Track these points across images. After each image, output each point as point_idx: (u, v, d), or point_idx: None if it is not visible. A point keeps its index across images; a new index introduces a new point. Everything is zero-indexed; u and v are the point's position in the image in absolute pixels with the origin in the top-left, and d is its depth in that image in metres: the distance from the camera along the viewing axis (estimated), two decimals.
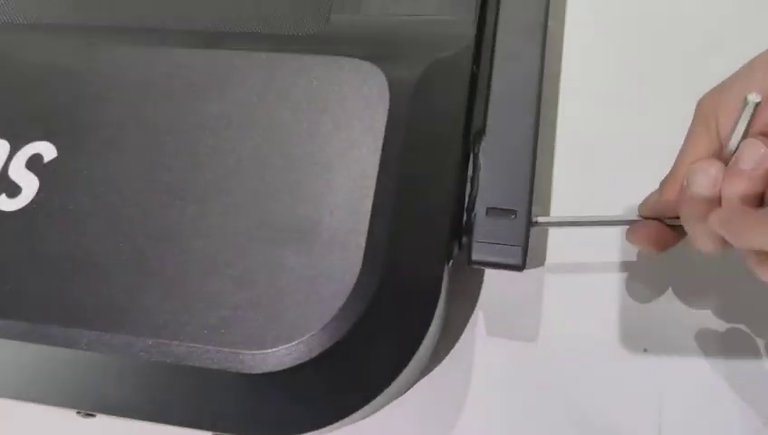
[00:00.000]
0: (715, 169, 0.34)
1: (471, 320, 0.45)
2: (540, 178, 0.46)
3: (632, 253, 0.45)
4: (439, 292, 0.37)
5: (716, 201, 0.34)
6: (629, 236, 0.40)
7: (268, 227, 0.38)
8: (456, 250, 0.41)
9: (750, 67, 0.35)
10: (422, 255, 0.38)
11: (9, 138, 0.42)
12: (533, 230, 0.40)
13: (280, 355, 0.35)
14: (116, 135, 0.41)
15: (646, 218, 0.40)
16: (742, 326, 0.43)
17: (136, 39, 0.45)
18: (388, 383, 0.36)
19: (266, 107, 0.41)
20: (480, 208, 0.40)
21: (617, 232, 0.45)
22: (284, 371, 0.35)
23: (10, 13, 0.49)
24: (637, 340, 0.43)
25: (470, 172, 0.42)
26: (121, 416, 0.38)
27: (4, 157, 0.42)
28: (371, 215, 0.37)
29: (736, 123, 0.33)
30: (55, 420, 0.43)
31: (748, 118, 0.32)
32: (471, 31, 0.44)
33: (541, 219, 0.41)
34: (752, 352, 0.42)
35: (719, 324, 0.43)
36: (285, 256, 0.37)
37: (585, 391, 0.42)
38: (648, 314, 0.44)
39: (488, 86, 0.43)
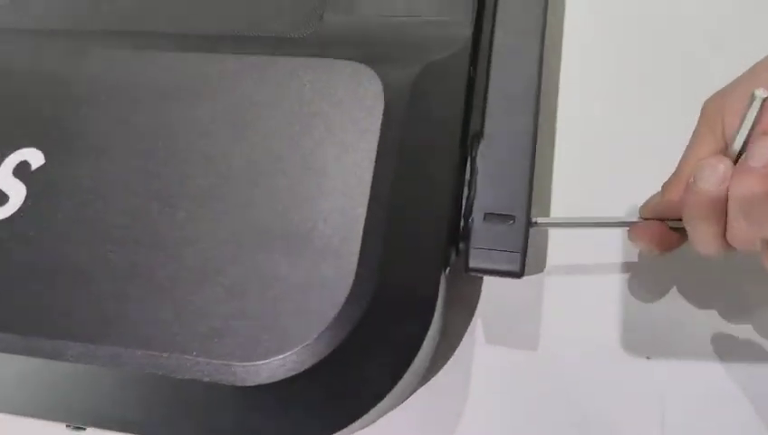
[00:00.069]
0: (724, 165, 0.33)
1: (470, 327, 0.44)
2: (540, 179, 0.46)
3: (634, 256, 0.44)
4: (436, 299, 0.37)
5: (722, 200, 0.33)
6: (631, 235, 0.39)
7: (260, 235, 0.37)
8: (453, 257, 0.40)
9: (754, 70, 0.35)
10: (418, 262, 0.37)
11: None
12: (533, 231, 0.39)
13: (273, 367, 0.34)
14: (105, 141, 0.41)
15: (647, 220, 0.39)
16: (746, 331, 0.42)
17: (125, 43, 0.45)
18: (384, 394, 0.35)
19: (258, 111, 0.40)
20: (477, 214, 0.39)
21: (618, 235, 0.44)
22: (278, 382, 0.34)
23: None
24: (639, 345, 0.42)
25: (467, 177, 0.41)
26: (111, 429, 0.37)
27: None
28: (366, 221, 0.36)
29: (742, 120, 0.32)
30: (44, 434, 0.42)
31: (755, 114, 0.32)
32: (467, 32, 0.43)
33: (540, 220, 0.40)
34: (757, 356, 0.41)
35: (723, 329, 0.42)
36: (277, 265, 0.36)
37: (586, 397, 0.42)
38: (651, 319, 0.43)
39: (486, 88, 0.42)
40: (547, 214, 0.46)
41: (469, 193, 0.40)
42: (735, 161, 0.34)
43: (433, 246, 0.38)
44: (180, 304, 0.36)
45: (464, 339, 0.44)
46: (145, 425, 0.36)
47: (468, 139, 0.42)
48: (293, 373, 0.34)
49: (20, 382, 0.37)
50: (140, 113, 0.41)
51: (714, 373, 0.41)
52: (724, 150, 0.35)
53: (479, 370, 0.43)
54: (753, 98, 0.31)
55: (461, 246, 0.40)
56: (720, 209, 0.33)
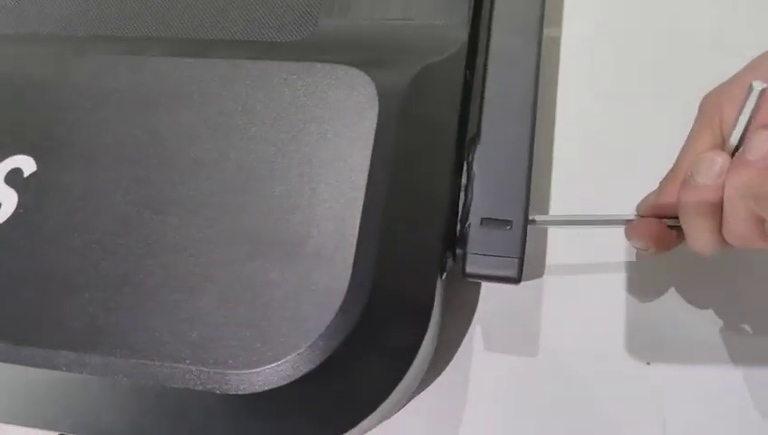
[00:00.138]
0: (721, 158, 0.33)
1: (468, 333, 0.44)
2: (538, 179, 0.46)
3: (634, 258, 0.44)
4: (432, 306, 0.36)
5: (719, 195, 0.33)
6: (628, 233, 0.39)
7: (252, 242, 0.36)
8: (450, 262, 0.40)
9: (752, 65, 0.35)
10: (414, 268, 0.37)
11: None
12: (531, 233, 0.39)
13: (266, 375, 0.34)
14: (97, 148, 0.40)
15: (644, 217, 0.39)
16: (748, 334, 0.42)
17: (118, 48, 0.44)
18: (379, 402, 0.35)
19: (250, 117, 0.39)
20: (474, 219, 0.39)
21: (617, 236, 0.44)
22: (271, 391, 0.34)
23: None
24: (639, 351, 0.42)
25: (464, 181, 0.40)
26: None
27: None
28: (360, 227, 0.36)
29: (740, 114, 0.32)
30: None
31: (752, 106, 0.32)
32: (463, 35, 0.42)
33: (538, 218, 0.40)
34: (759, 360, 0.41)
35: (724, 332, 0.42)
36: (270, 272, 0.36)
37: (587, 404, 0.41)
38: (651, 323, 0.42)
39: (482, 92, 0.42)
40: (545, 213, 0.45)
41: (466, 198, 0.40)
42: (733, 156, 0.33)
43: (428, 252, 0.37)
44: (172, 312, 0.35)
45: (462, 345, 0.44)
46: (136, 434, 0.36)
47: (465, 143, 0.41)
48: (287, 382, 0.34)
49: (10, 391, 0.37)
50: (132, 120, 0.40)
51: (715, 379, 0.41)
52: (722, 146, 0.34)
53: (478, 377, 0.43)
54: (750, 89, 0.31)
55: (458, 251, 0.39)
56: (717, 205, 0.33)
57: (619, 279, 0.44)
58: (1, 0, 0.49)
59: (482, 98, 0.41)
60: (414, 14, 0.43)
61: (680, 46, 0.49)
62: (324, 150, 0.38)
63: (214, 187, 0.38)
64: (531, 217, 0.39)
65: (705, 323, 0.42)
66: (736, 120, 0.33)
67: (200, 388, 0.34)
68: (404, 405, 0.42)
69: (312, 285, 0.35)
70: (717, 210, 0.33)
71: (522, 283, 0.39)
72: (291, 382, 0.34)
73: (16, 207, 0.39)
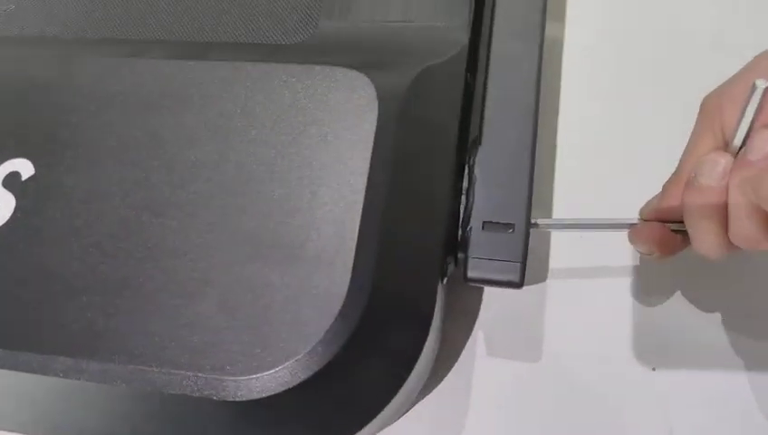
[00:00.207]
0: (724, 159, 0.33)
1: (470, 338, 0.44)
2: (541, 182, 0.46)
3: (637, 262, 0.44)
4: (433, 310, 0.36)
5: (723, 196, 0.33)
6: (632, 237, 0.39)
7: (252, 245, 0.36)
8: (451, 267, 0.39)
9: (752, 64, 0.35)
10: (414, 272, 0.36)
11: None
12: (534, 236, 0.38)
13: (264, 381, 0.33)
14: (96, 151, 0.40)
15: (648, 221, 0.38)
16: (755, 338, 0.41)
17: (117, 51, 0.44)
18: (379, 409, 0.34)
19: (250, 119, 0.39)
20: (476, 223, 0.38)
21: (621, 242, 0.43)
22: (270, 397, 0.33)
23: None
24: (644, 356, 0.41)
25: (465, 185, 0.40)
26: None
27: None
28: (360, 231, 0.36)
29: (743, 114, 0.32)
30: None
31: (756, 105, 0.31)
32: (464, 37, 0.42)
33: (541, 222, 0.39)
34: (767, 365, 0.40)
35: (731, 337, 0.41)
36: (269, 276, 0.35)
37: (591, 411, 0.41)
38: (656, 327, 0.42)
39: (483, 94, 0.41)
40: (548, 217, 0.45)
41: (467, 201, 0.39)
42: (736, 156, 0.33)
43: (429, 256, 0.37)
44: (170, 317, 0.35)
45: (464, 351, 0.43)
46: None
47: (466, 146, 0.41)
48: (285, 388, 0.33)
49: (7, 397, 0.36)
50: (132, 122, 0.40)
51: (721, 383, 0.40)
52: (725, 147, 0.34)
53: (480, 382, 0.42)
54: (753, 88, 0.31)
55: (459, 255, 0.39)
56: (721, 206, 0.33)
57: (623, 283, 0.43)
58: (2, 3, 0.49)
59: (483, 100, 0.41)
60: (414, 17, 0.43)
61: (680, 46, 0.49)
62: (324, 153, 0.38)
63: (214, 190, 0.38)
64: (533, 221, 0.39)
65: (711, 327, 0.42)
66: (739, 120, 0.32)
67: (198, 394, 0.34)
68: (405, 412, 0.41)
69: (312, 289, 0.35)
70: (722, 212, 0.33)
71: (525, 287, 0.39)
72: (290, 389, 0.33)
73: (14, 211, 0.39)
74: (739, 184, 0.32)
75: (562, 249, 0.45)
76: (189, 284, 0.36)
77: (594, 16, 0.51)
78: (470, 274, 0.38)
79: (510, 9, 0.43)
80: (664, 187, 0.37)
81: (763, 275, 0.42)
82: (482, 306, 0.44)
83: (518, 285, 0.37)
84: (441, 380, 0.43)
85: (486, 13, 0.44)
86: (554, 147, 0.47)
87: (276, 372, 0.33)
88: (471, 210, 0.39)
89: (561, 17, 0.52)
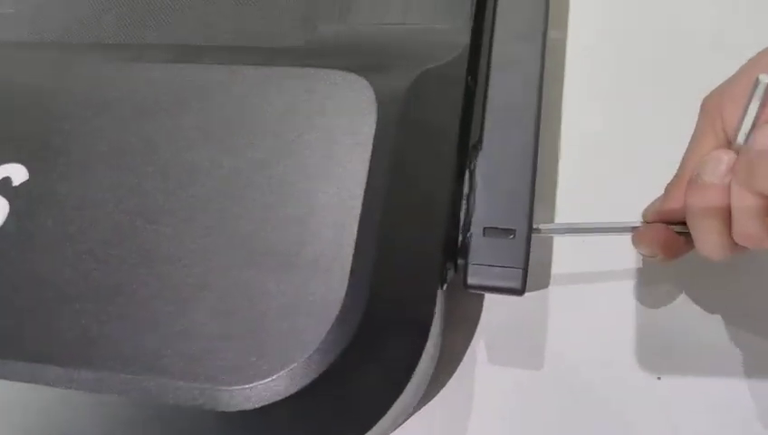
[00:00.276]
0: (728, 156, 0.32)
1: (471, 345, 0.43)
2: (543, 187, 0.45)
3: (642, 267, 0.43)
4: (432, 318, 0.35)
5: (726, 194, 0.32)
6: (635, 240, 0.38)
7: (247, 251, 0.35)
8: (451, 273, 0.39)
9: (752, 62, 0.34)
10: (413, 279, 0.36)
11: None
12: (536, 241, 0.38)
13: (260, 390, 0.33)
14: (91, 156, 0.39)
15: (651, 223, 0.38)
16: (760, 342, 0.40)
17: (113, 55, 0.43)
18: (378, 418, 0.34)
19: (245, 124, 0.38)
20: (476, 228, 0.38)
21: (624, 246, 0.43)
22: (265, 407, 0.33)
23: None
24: (649, 364, 0.41)
25: (466, 190, 0.39)
26: None
27: None
28: (357, 237, 0.35)
29: (745, 111, 0.31)
30: None
31: (759, 101, 0.31)
32: (465, 39, 0.41)
33: (543, 227, 0.39)
34: None
35: (739, 344, 0.40)
36: (264, 283, 0.34)
37: (594, 420, 0.40)
38: (661, 335, 0.41)
39: (485, 97, 0.40)
40: (550, 222, 0.44)
41: (468, 207, 0.39)
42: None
43: (428, 263, 0.36)
44: (164, 325, 0.34)
45: (465, 358, 0.43)
46: None
47: (467, 150, 0.40)
48: (281, 397, 0.33)
49: None
50: (126, 127, 0.39)
51: (727, 388, 0.40)
52: (727, 146, 0.34)
53: (481, 390, 0.42)
54: (756, 83, 0.30)
55: (460, 261, 0.38)
56: (725, 204, 0.32)
57: (627, 287, 0.43)
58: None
59: (484, 104, 0.40)
60: (414, 19, 0.43)
61: (680, 46, 0.49)
62: (321, 157, 0.37)
63: (209, 195, 0.37)
64: (535, 226, 0.38)
65: (716, 331, 0.41)
66: (741, 118, 0.32)
67: (192, 404, 0.33)
68: (405, 420, 0.40)
69: (308, 296, 0.34)
70: (725, 210, 0.32)
71: (527, 293, 0.38)
72: (286, 398, 0.33)
73: (7, 216, 0.38)
74: (737, 174, 0.31)
75: (565, 254, 0.44)
76: (183, 291, 0.35)
77: (594, 17, 0.51)
78: (470, 280, 0.37)
79: (512, 11, 0.43)
80: (666, 188, 0.37)
81: None
82: (483, 313, 0.43)
83: (520, 292, 0.37)
84: (441, 387, 0.42)
85: (488, 15, 0.44)
86: (556, 149, 0.47)
87: (272, 381, 0.33)
88: (471, 216, 0.38)
89: (562, 18, 0.51)
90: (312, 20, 0.44)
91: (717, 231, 0.33)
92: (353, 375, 0.34)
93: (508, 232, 0.38)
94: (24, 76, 0.43)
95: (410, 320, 0.35)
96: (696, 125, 0.36)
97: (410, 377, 0.34)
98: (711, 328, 0.41)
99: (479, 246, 0.37)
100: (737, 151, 0.33)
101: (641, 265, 0.43)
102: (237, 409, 0.33)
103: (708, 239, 0.34)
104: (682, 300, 0.42)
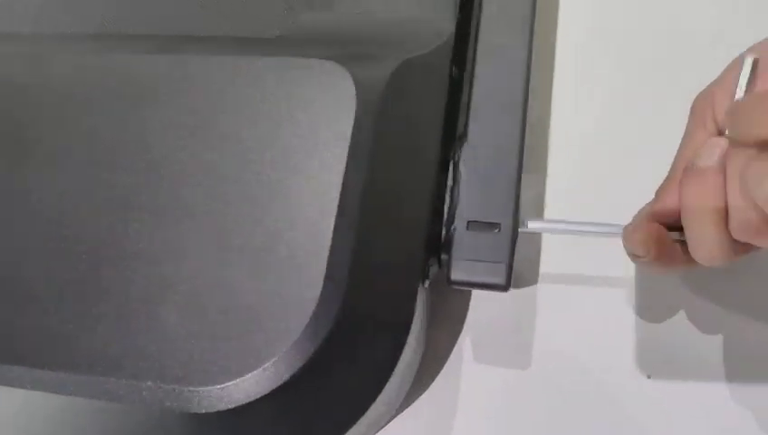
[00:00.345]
0: (724, 141, 0.31)
1: (457, 343, 0.42)
2: (533, 181, 0.44)
3: (633, 265, 0.41)
4: (412, 315, 0.34)
5: (722, 182, 0.31)
6: (626, 236, 0.35)
7: (219, 247, 0.34)
8: (435, 268, 0.37)
9: (738, 59, 0.33)
10: (393, 275, 0.34)
11: None
12: (524, 237, 0.36)
13: (230, 391, 0.31)
14: (59, 150, 0.38)
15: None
16: (753, 345, 0.39)
17: (86, 46, 0.42)
18: (354, 420, 0.33)
19: (220, 115, 0.37)
20: (460, 222, 0.37)
21: (616, 246, 0.41)
22: (237, 408, 0.32)
23: None
24: (639, 363, 0.40)
25: (450, 182, 0.38)
26: None
27: None
28: (334, 231, 0.34)
29: (735, 93, 0.32)
30: None
31: (746, 79, 0.31)
32: (450, 28, 0.40)
33: (531, 223, 0.37)
34: (764, 371, 0.39)
35: (729, 343, 0.39)
36: (236, 279, 0.33)
37: (583, 419, 0.39)
38: (652, 333, 0.40)
39: (470, 87, 0.39)
40: (540, 218, 0.43)
41: (452, 200, 0.38)
42: None
43: (409, 258, 0.35)
44: (132, 324, 0.33)
45: (451, 357, 0.41)
46: None
47: (452, 141, 0.39)
48: (253, 399, 0.32)
49: None
50: (98, 120, 0.38)
51: (717, 391, 0.39)
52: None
53: (467, 390, 0.40)
54: (742, 62, 0.31)
55: (443, 256, 0.37)
56: (720, 191, 0.31)
57: (616, 286, 0.41)
58: None
59: (470, 94, 0.39)
60: (398, 7, 0.41)
61: (680, 46, 0.48)
62: (298, 148, 0.36)
63: (181, 190, 0.36)
64: (523, 222, 0.37)
65: (706, 331, 0.40)
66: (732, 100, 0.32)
67: (161, 405, 0.32)
68: (389, 421, 0.39)
69: (282, 293, 0.33)
70: (721, 199, 0.31)
71: (515, 291, 0.37)
72: (257, 399, 0.32)
73: None
74: (734, 123, 0.30)
75: (553, 251, 0.43)
76: (151, 288, 0.34)
77: (593, 16, 0.49)
78: (453, 276, 0.36)
79: None
80: (657, 192, 0.35)
81: (764, 276, 0.40)
82: (470, 310, 0.42)
83: (504, 287, 0.36)
84: (426, 387, 0.41)
85: (474, 2, 0.42)
86: (546, 142, 0.45)
87: (242, 381, 0.31)
88: (455, 209, 0.37)
89: (554, 9, 0.50)
90: (294, 9, 0.42)
91: (714, 223, 0.31)
92: (330, 375, 0.33)
93: (493, 226, 0.36)
94: None
95: (390, 317, 0.34)
96: (687, 126, 0.35)
97: (389, 377, 0.33)
98: (701, 327, 0.40)
99: (463, 240, 0.36)
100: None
101: (632, 265, 0.42)
102: (209, 410, 0.32)
103: (704, 235, 0.32)
104: (672, 299, 0.41)
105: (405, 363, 0.35)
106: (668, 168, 0.36)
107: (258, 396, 0.32)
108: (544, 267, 0.43)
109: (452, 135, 0.39)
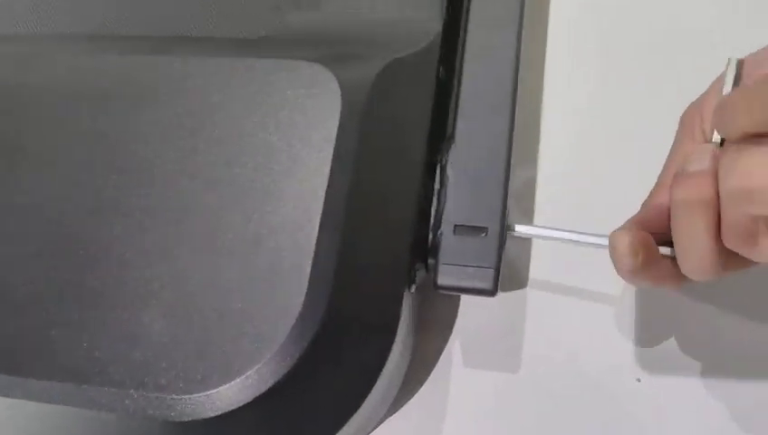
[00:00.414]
0: (714, 146, 0.31)
1: (446, 348, 0.41)
2: (523, 185, 0.43)
3: None
4: (398, 320, 0.33)
5: (713, 188, 0.30)
6: (613, 243, 0.34)
7: (201, 250, 0.34)
8: (422, 273, 0.37)
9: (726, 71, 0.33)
10: (378, 280, 0.34)
11: None
12: (513, 242, 0.36)
13: (214, 399, 0.31)
14: (36, 151, 0.38)
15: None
16: (742, 348, 0.39)
17: (70, 46, 0.42)
18: (338, 427, 0.32)
19: (203, 118, 0.37)
20: (447, 226, 0.36)
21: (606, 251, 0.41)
22: (221, 416, 0.31)
23: None
24: (628, 367, 0.39)
25: (437, 185, 0.38)
26: None
27: None
28: (319, 235, 0.33)
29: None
30: None
31: (732, 79, 0.31)
32: (437, 27, 0.40)
33: (519, 228, 0.37)
34: (752, 374, 0.38)
35: (717, 349, 0.39)
36: (220, 284, 0.33)
37: (572, 423, 0.39)
38: (641, 338, 0.40)
39: (457, 88, 0.39)
40: (530, 223, 0.43)
41: (439, 203, 0.37)
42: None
43: (395, 262, 0.34)
44: (114, 332, 0.33)
45: (440, 362, 0.41)
46: None
47: (438, 144, 0.38)
48: (236, 406, 0.31)
49: None
50: (78, 121, 0.38)
51: (707, 393, 0.38)
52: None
53: (457, 393, 0.40)
54: (728, 64, 0.31)
55: (430, 261, 0.37)
56: (712, 197, 0.30)
57: (605, 290, 0.41)
58: None
59: (457, 96, 0.39)
60: (385, 7, 0.41)
61: (680, 46, 0.47)
62: (282, 152, 0.35)
63: (163, 192, 0.35)
64: (511, 226, 0.37)
65: (696, 332, 0.40)
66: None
67: (140, 414, 0.31)
68: (375, 426, 0.39)
69: (265, 298, 0.32)
70: (713, 203, 0.30)
71: (504, 295, 0.36)
72: (242, 407, 0.31)
73: None
74: (722, 117, 0.30)
75: (543, 255, 0.42)
76: (134, 295, 0.33)
77: (590, 19, 0.49)
78: (440, 281, 0.36)
79: None
80: (644, 201, 0.35)
81: (751, 276, 0.39)
82: (459, 314, 0.42)
83: (491, 292, 0.35)
84: (415, 391, 0.40)
85: (463, 1, 0.42)
86: (537, 149, 0.45)
87: (227, 389, 0.31)
88: (442, 213, 0.36)
89: (546, 9, 0.49)
90: (281, 8, 0.42)
91: (704, 227, 0.31)
92: (315, 380, 0.32)
93: (480, 230, 0.36)
94: None
95: (375, 322, 0.34)
96: (675, 136, 0.35)
97: (374, 383, 0.33)
98: (691, 330, 0.40)
99: (449, 244, 0.36)
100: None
101: None
102: (193, 418, 0.31)
103: (694, 241, 0.31)
104: (661, 305, 0.40)
105: (391, 368, 0.34)
106: (663, 151, 0.35)
107: (243, 403, 0.31)
108: (533, 270, 0.42)
109: (439, 137, 0.39)
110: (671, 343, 0.39)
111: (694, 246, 0.31)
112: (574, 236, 0.36)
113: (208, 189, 0.35)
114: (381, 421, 0.39)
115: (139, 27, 0.42)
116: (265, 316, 0.32)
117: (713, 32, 0.47)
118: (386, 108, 0.36)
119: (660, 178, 0.35)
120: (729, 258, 0.31)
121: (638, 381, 0.39)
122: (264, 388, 0.31)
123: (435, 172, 0.38)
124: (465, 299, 0.42)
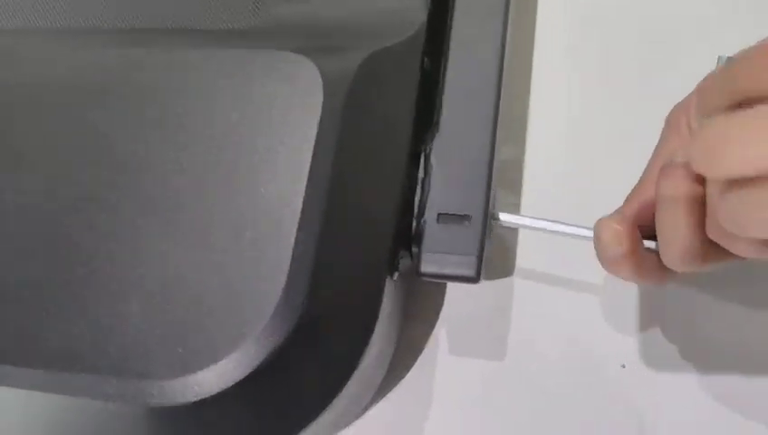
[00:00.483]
0: None
1: (432, 336, 0.41)
2: (508, 177, 0.43)
3: None
4: (378, 308, 0.34)
5: (699, 178, 0.30)
6: (598, 231, 0.34)
7: (179, 239, 0.34)
8: (406, 261, 0.37)
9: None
10: (360, 268, 0.34)
11: None
12: (498, 231, 0.36)
13: (191, 384, 0.31)
14: (20, 144, 0.38)
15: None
16: (727, 336, 0.39)
17: (49, 40, 0.42)
18: (316, 415, 0.32)
19: (181, 110, 0.37)
20: (430, 214, 0.36)
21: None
22: (197, 403, 0.31)
23: None
24: (614, 353, 0.39)
25: (420, 174, 0.38)
26: None
27: None
28: (300, 224, 0.33)
29: None
30: None
31: None
32: (421, 17, 0.39)
33: (504, 217, 0.37)
34: (737, 362, 0.38)
35: (703, 336, 0.39)
36: (198, 271, 0.33)
37: (558, 410, 0.39)
38: (627, 325, 0.40)
39: (442, 78, 0.39)
40: (516, 212, 0.43)
41: (423, 192, 0.37)
42: None
43: (377, 250, 0.35)
44: (92, 319, 0.33)
45: (426, 348, 0.41)
46: None
47: (423, 134, 0.39)
48: (215, 392, 0.31)
49: None
50: (58, 114, 0.38)
51: (694, 380, 0.38)
52: None
53: (443, 381, 0.40)
54: (718, 61, 0.31)
55: (414, 249, 0.37)
56: (697, 186, 0.30)
57: (592, 279, 0.41)
58: None
59: (442, 85, 0.39)
60: None
61: (679, 46, 0.47)
62: (262, 142, 0.35)
63: (141, 183, 0.35)
64: (495, 215, 0.37)
65: (683, 320, 0.40)
66: None
67: (119, 400, 0.31)
68: (360, 414, 0.39)
69: (244, 285, 0.32)
70: (698, 192, 0.30)
71: (491, 283, 0.36)
72: (219, 393, 0.31)
73: None
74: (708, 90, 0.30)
75: (530, 243, 0.42)
76: (112, 282, 0.33)
77: (588, 20, 0.49)
78: (423, 268, 0.36)
79: None
80: (628, 195, 0.35)
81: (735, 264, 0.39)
82: (445, 302, 0.42)
83: (474, 279, 0.36)
84: (402, 377, 0.41)
85: None
86: (524, 137, 0.45)
87: (205, 374, 0.31)
88: (426, 201, 0.37)
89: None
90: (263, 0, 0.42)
91: (688, 214, 0.30)
92: (294, 367, 0.32)
93: (463, 218, 0.36)
94: None
95: (356, 310, 0.34)
96: (661, 136, 0.35)
97: (354, 371, 0.33)
98: (676, 316, 0.40)
99: (433, 232, 0.36)
100: None
101: None
102: (170, 403, 0.31)
103: (677, 228, 0.31)
104: (650, 294, 0.40)
105: (374, 353, 0.35)
106: (650, 142, 0.35)
107: (221, 389, 0.31)
108: (521, 258, 0.42)
109: (424, 127, 0.39)
110: (655, 331, 0.39)
111: (676, 234, 0.31)
112: (559, 227, 0.37)
113: (187, 179, 0.35)
114: (368, 407, 0.39)
115: (118, 19, 0.42)
116: (245, 303, 0.32)
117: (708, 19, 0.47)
118: (369, 98, 0.36)
119: (644, 174, 0.35)
120: (710, 251, 0.31)
121: (623, 367, 0.39)
122: (242, 374, 0.31)
123: (419, 161, 0.38)
124: (452, 287, 0.42)
